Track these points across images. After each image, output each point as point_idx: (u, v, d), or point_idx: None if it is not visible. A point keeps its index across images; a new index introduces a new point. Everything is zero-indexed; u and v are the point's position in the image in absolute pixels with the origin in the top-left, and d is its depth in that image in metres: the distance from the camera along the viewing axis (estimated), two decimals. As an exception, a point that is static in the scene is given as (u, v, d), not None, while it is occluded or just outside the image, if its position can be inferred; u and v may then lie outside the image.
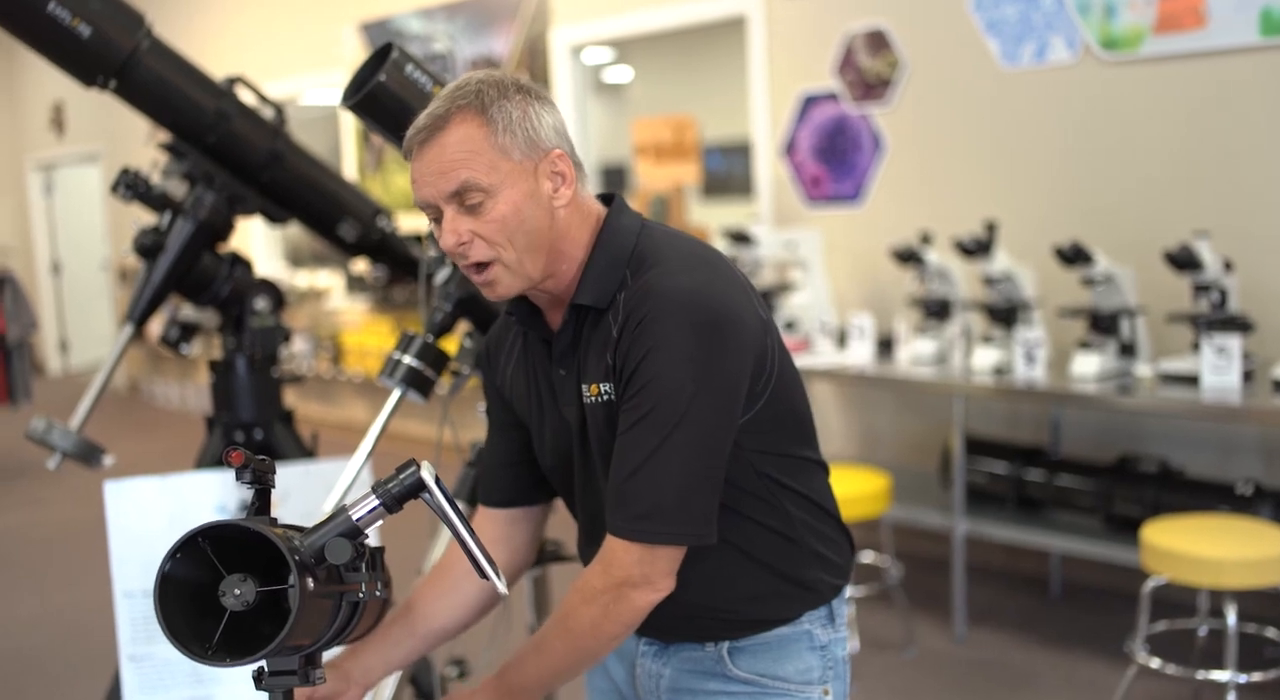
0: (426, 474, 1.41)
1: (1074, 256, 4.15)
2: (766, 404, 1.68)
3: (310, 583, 1.37)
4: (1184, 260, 3.98)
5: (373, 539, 1.73)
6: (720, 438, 1.62)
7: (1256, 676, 3.49)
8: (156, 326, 7.35)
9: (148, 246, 3.00)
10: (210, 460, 3.23)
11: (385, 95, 2.19)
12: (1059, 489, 4.37)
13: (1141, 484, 4.14)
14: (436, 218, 1.65)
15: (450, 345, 2.42)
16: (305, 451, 3.30)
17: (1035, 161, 4.92)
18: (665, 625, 1.72)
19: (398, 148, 2.35)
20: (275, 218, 3.30)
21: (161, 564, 1.37)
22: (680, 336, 1.58)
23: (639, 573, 1.61)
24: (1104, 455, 4.54)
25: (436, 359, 2.33)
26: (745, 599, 1.75)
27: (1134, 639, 3.62)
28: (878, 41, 5.38)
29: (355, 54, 8.25)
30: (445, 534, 2.44)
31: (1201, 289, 4.06)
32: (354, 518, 1.41)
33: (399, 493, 1.42)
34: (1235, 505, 3.89)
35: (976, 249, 4.38)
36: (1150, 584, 3.48)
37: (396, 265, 3.51)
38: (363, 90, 2.18)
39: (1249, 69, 4.35)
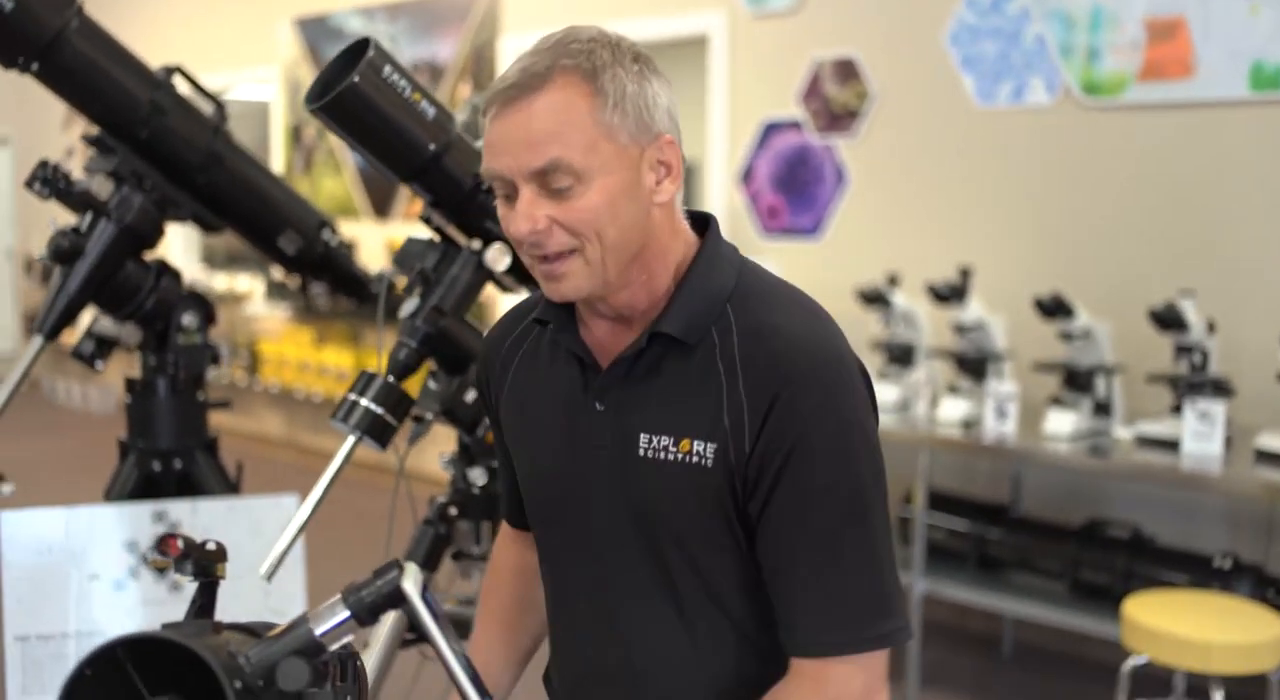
0: (409, 584, 1.11)
1: (1054, 309, 3.96)
2: None
3: (256, 714, 1.07)
4: (1169, 319, 3.80)
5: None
6: None
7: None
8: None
9: (64, 250, 2.68)
10: (122, 491, 2.90)
11: (357, 99, 1.91)
12: (1023, 550, 4.16)
13: (1112, 551, 3.95)
14: (506, 194, 1.35)
15: (412, 386, 2.13)
16: (229, 485, 2.98)
17: (1010, 206, 4.73)
18: None
19: (363, 155, 2.08)
20: (209, 225, 2.99)
21: (66, 684, 1.07)
22: (856, 405, 1.37)
23: (861, 688, 1.36)
24: (1068, 516, 4.34)
25: (398, 403, 2.03)
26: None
27: (1109, 720, 3.42)
28: (846, 70, 5.16)
29: (290, 50, 7.90)
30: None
31: (1183, 350, 3.88)
32: (316, 632, 1.11)
33: (374, 602, 1.12)
34: (1212, 579, 3.71)
35: (950, 295, 4.17)
36: (1131, 663, 3.28)
37: (339, 283, 3.22)
38: (332, 92, 1.89)
39: (1237, 123, 4.19)
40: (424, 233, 2.25)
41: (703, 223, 1.49)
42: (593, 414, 1.44)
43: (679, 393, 1.39)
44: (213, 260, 9.10)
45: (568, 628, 1.55)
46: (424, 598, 1.12)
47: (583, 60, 1.32)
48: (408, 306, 2.13)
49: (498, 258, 2.14)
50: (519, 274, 2.24)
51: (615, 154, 1.33)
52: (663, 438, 1.39)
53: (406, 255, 2.16)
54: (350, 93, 1.89)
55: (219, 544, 1.17)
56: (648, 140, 1.35)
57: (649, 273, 1.40)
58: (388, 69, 1.94)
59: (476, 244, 2.16)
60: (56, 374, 10.30)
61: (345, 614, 1.11)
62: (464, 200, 2.12)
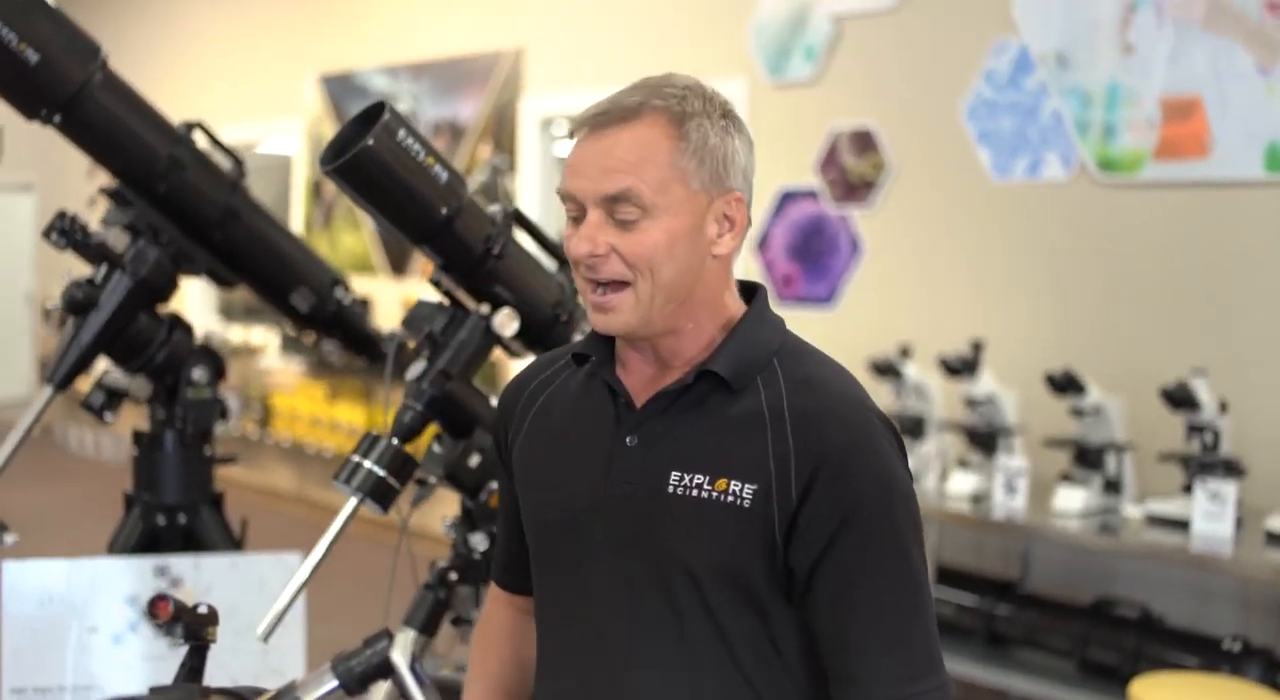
0: (398, 655, 1.11)
1: (1065, 385, 3.94)
2: None
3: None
4: (1180, 398, 3.79)
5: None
6: None
7: None
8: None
9: (79, 301, 2.69)
10: (125, 545, 2.89)
11: (371, 162, 1.92)
12: (1032, 628, 4.12)
13: (1121, 630, 3.90)
14: (575, 216, 1.40)
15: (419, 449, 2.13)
16: (233, 541, 2.97)
17: (1023, 281, 4.73)
18: None
19: (374, 218, 2.09)
20: (223, 279, 3.01)
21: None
22: (898, 460, 1.42)
23: None
24: (1077, 593, 4.30)
25: (402, 466, 2.03)
26: None
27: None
28: (864, 142, 5.19)
29: (314, 106, 7.98)
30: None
31: (1195, 429, 3.86)
32: (305, 701, 1.11)
33: (363, 672, 1.12)
34: (1221, 662, 3.66)
35: (961, 368, 4.16)
36: (1137, 748, 3.23)
37: (351, 342, 3.22)
38: (346, 154, 1.91)
39: (1252, 203, 4.19)
40: (435, 295, 2.26)
41: (750, 290, 1.54)
42: (623, 449, 1.45)
43: (718, 434, 1.41)
44: (230, 312, 9.14)
45: (564, 676, 1.50)
46: (412, 668, 1.11)
47: (674, 103, 1.38)
48: (414, 369, 2.13)
49: (506, 323, 2.14)
50: (527, 339, 2.24)
51: (685, 198, 1.38)
52: (696, 476, 1.40)
53: (415, 318, 2.17)
54: (365, 155, 1.91)
55: (211, 608, 1.17)
56: (718, 192, 1.41)
57: (695, 321, 1.44)
58: (402, 133, 1.95)
59: (485, 309, 2.16)
60: (69, 421, 10.33)
61: (333, 684, 1.10)
62: (474, 265, 2.13)
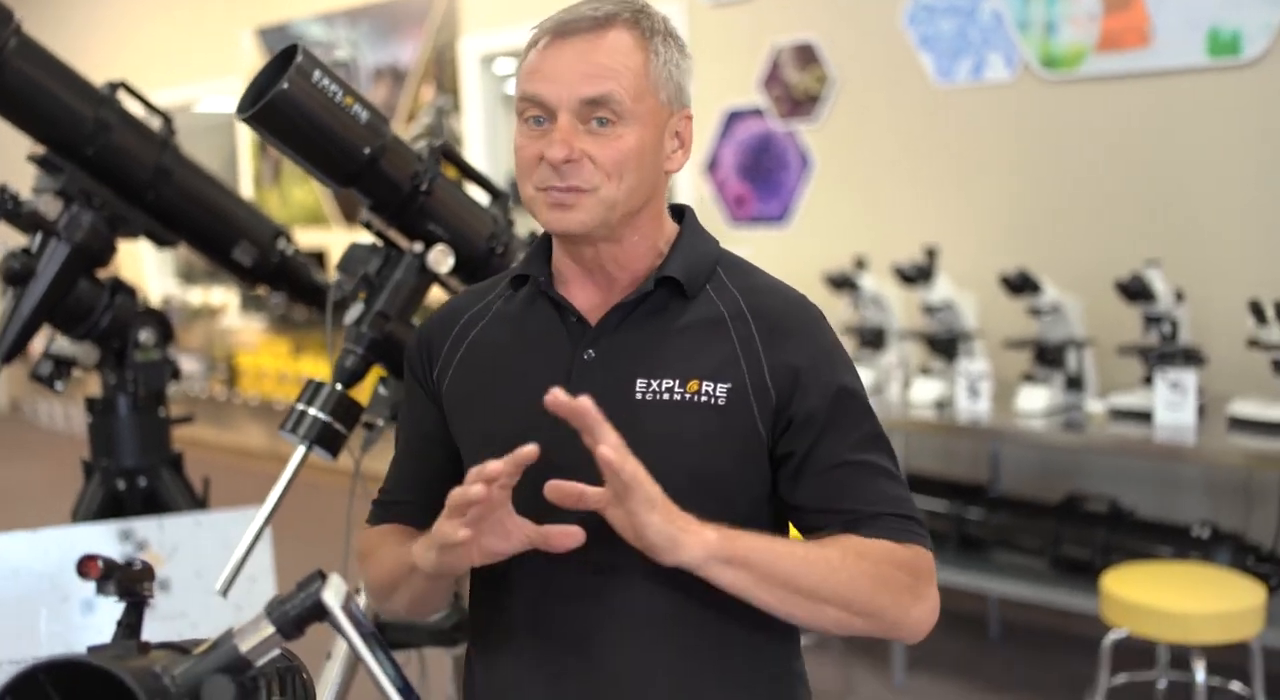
0: (331, 595, 1.09)
1: (1021, 285, 3.94)
2: None
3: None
4: (1135, 290, 3.79)
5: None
6: None
7: (1223, 734, 3.29)
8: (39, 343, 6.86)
9: (16, 272, 2.65)
10: (87, 512, 2.87)
11: (288, 105, 1.88)
12: (1003, 529, 4.15)
13: (1092, 525, 3.94)
14: (539, 117, 1.39)
15: (362, 394, 2.12)
16: (196, 500, 2.96)
17: (975, 184, 4.72)
18: None
19: (298, 163, 2.05)
20: (162, 240, 2.96)
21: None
22: (843, 346, 1.51)
23: (929, 576, 1.44)
24: (1047, 492, 4.34)
25: (347, 411, 2.02)
26: None
27: (1093, 694, 3.40)
28: (806, 56, 5.15)
29: (252, 60, 7.86)
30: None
31: (1152, 320, 3.87)
32: (241, 648, 1.09)
33: (298, 615, 1.10)
34: (1191, 549, 3.70)
35: (916, 276, 4.16)
36: (1111, 637, 3.27)
37: (297, 292, 3.19)
38: (262, 100, 1.87)
39: (1196, 90, 4.18)
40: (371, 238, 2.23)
41: (679, 212, 1.56)
42: (579, 365, 1.44)
43: (680, 338, 1.44)
44: (190, 275, 9.05)
45: (525, 592, 1.47)
46: (347, 609, 1.10)
47: (642, 19, 1.41)
48: (352, 313, 2.11)
49: (440, 259, 2.12)
50: (463, 274, 2.22)
51: (654, 110, 1.41)
52: (665, 380, 1.41)
53: (350, 261, 2.14)
54: (280, 99, 1.87)
55: (145, 563, 1.15)
56: (677, 107, 1.45)
57: (640, 234, 1.46)
58: (317, 74, 1.91)
59: (419, 247, 2.14)
60: (37, 396, 10.25)
61: (270, 629, 1.09)
62: (403, 203, 2.10)
